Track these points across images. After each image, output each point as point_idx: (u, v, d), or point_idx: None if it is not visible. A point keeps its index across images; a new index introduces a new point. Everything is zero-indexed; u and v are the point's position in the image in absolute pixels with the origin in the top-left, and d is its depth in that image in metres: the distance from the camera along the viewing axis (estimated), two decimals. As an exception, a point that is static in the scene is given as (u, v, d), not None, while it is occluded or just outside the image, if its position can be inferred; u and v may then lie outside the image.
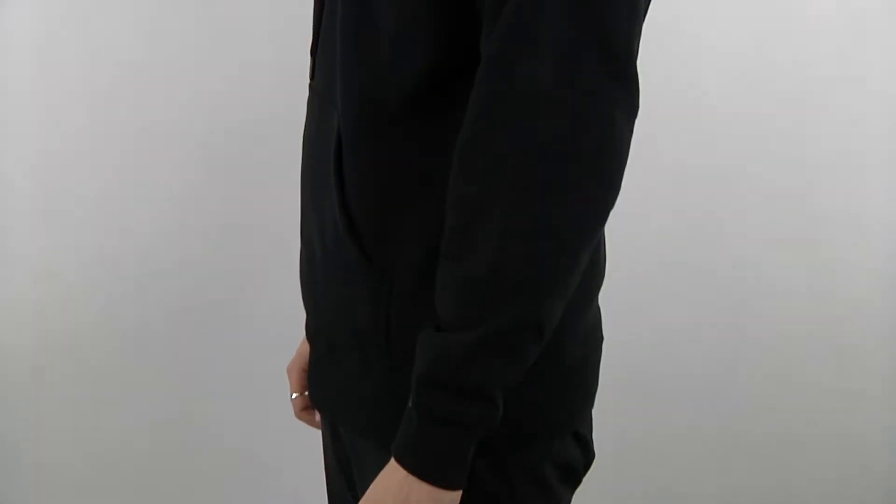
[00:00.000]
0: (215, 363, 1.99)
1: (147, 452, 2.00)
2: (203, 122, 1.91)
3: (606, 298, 1.06)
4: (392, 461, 0.86)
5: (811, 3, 2.06)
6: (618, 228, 1.14)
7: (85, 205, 1.90)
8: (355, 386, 0.99)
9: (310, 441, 1.33)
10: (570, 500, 1.02)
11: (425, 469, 0.83)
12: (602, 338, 1.05)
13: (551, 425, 0.97)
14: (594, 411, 1.04)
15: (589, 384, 1.02)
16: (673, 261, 2.11)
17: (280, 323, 1.56)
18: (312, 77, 1.08)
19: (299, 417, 1.19)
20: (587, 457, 1.02)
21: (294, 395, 1.17)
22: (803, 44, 2.07)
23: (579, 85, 0.79)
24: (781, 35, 2.06)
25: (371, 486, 0.87)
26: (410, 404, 0.85)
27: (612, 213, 0.85)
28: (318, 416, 1.16)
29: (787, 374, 2.16)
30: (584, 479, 1.03)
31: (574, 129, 0.79)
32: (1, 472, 1.95)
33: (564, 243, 0.81)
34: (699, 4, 2.03)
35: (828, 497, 2.18)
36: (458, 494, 0.85)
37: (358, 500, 1.02)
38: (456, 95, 0.88)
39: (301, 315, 1.11)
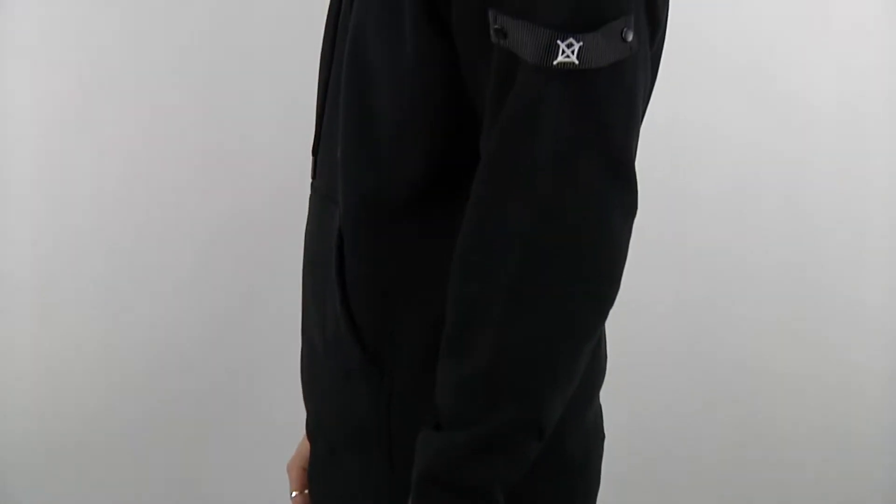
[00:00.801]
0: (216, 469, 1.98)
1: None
2: (204, 227, 1.93)
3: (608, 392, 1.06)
4: None
5: (812, 96, 2.09)
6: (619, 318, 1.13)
7: (86, 298, 1.91)
8: (356, 485, 0.98)
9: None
10: None
11: None
12: (603, 436, 1.05)
13: None
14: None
15: (590, 482, 1.01)
16: (674, 348, 2.12)
17: (282, 417, 1.56)
18: (314, 176, 1.09)
19: None
20: None
21: (294, 494, 1.16)
22: (804, 135, 2.10)
23: (577, 185, 0.80)
24: (781, 127, 2.10)
25: None
26: (410, 503, 0.84)
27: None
28: None
29: (794, 458, 2.14)
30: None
31: (572, 230, 0.80)
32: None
33: (564, 344, 0.82)
34: (699, 98, 2.07)
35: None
36: None
37: None
38: (456, 194, 0.89)
39: (302, 411, 1.11)
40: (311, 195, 1.10)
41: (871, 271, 2.17)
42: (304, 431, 1.14)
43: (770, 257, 2.15)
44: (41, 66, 1.82)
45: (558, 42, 0.79)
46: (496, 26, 0.80)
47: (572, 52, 0.79)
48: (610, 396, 1.07)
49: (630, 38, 0.80)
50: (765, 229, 2.15)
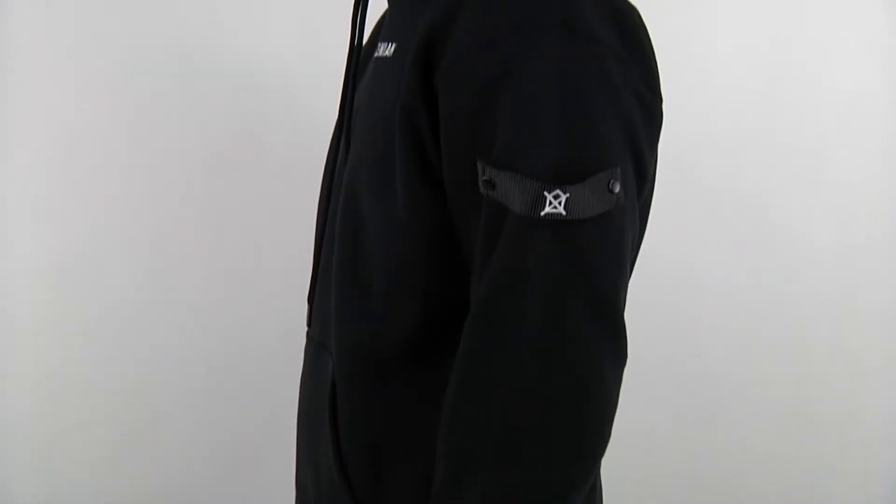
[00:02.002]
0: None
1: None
2: (201, 376, 1.92)
3: None
4: None
5: (812, 238, 2.12)
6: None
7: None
8: None
9: None
10: None
11: None
12: None
13: None
14: None
15: None
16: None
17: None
18: (309, 325, 1.10)
19: None
20: None
21: None
22: (804, 277, 2.12)
23: (565, 334, 0.80)
24: (781, 267, 2.12)
25: None
26: None
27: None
28: None
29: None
30: None
31: (561, 381, 0.80)
32: None
33: (555, 493, 0.80)
34: (694, 237, 2.09)
35: None
36: None
37: None
38: (447, 346, 0.89)
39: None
40: (306, 343, 1.11)
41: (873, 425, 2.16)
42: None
43: (773, 398, 2.14)
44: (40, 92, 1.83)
45: (545, 193, 0.80)
46: (485, 178, 0.82)
47: (559, 204, 0.80)
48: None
49: (617, 189, 0.82)
50: (766, 372, 2.14)
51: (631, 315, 0.91)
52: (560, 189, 0.80)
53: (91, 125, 1.83)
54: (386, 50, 0.96)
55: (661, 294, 2.06)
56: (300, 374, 1.12)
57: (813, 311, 2.15)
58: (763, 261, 2.12)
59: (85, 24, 1.82)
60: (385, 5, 1.06)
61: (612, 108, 0.82)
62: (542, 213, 0.80)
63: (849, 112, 2.11)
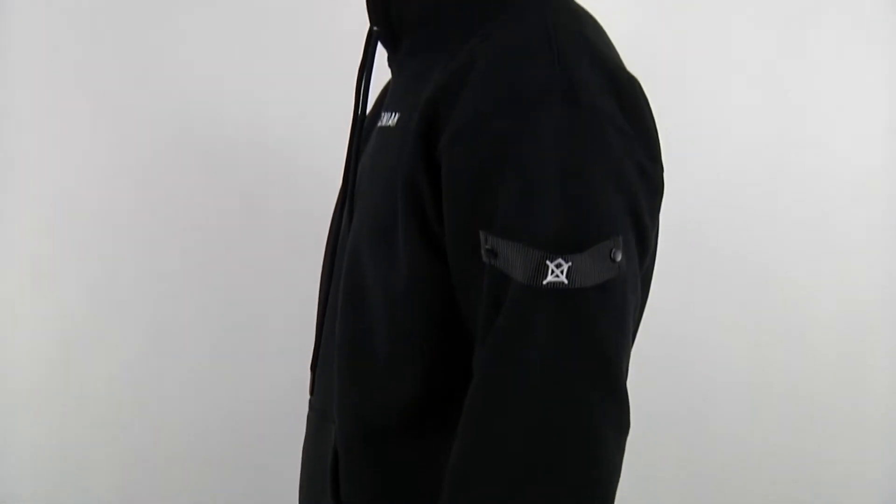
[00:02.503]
0: None
1: None
2: (201, 444, 1.91)
3: None
4: None
5: (811, 327, 2.12)
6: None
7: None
8: None
9: None
10: None
11: None
12: None
13: None
14: None
15: None
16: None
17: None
18: (312, 393, 1.09)
19: None
20: None
21: None
22: (807, 343, 2.12)
23: (569, 403, 0.80)
24: (781, 358, 2.12)
25: None
26: None
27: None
28: None
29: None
30: None
31: (563, 449, 0.80)
32: None
33: None
34: (702, 328, 2.09)
35: None
36: None
37: None
38: (450, 414, 0.88)
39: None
40: (308, 412, 1.10)
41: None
42: None
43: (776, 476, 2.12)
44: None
45: (547, 262, 0.80)
46: (487, 246, 0.83)
47: (561, 272, 0.80)
48: None
49: (619, 258, 0.82)
50: (771, 440, 2.12)
51: (634, 381, 0.91)
52: (562, 258, 0.80)
53: (91, 187, 1.85)
54: (389, 119, 0.97)
55: (662, 360, 2.05)
56: (302, 441, 1.11)
57: (817, 377, 2.14)
58: (766, 327, 2.12)
59: (86, 84, 1.84)
60: (389, 74, 1.08)
61: (613, 178, 0.83)
62: (545, 282, 0.80)
63: (853, 180, 2.12)
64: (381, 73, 1.10)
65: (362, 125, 1.07)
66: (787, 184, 2.11)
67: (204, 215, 1.89)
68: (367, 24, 1.07)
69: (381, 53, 1.06)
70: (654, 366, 1.93)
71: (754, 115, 2.09)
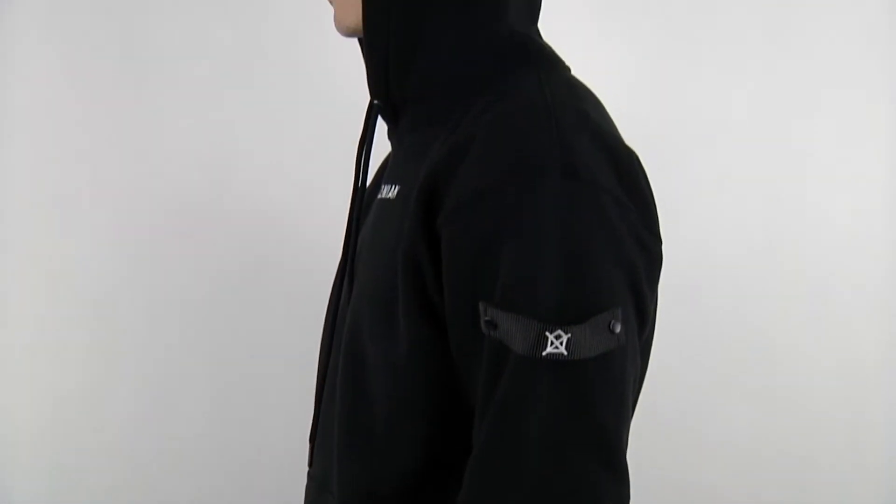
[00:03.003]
0: None
1: None
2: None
3: None
4: None
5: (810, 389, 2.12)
6: None
7: None
8: None
9: None
10: None
11: None
12: None
13: None
14: None
15: None
16: None
17: None
18: (311, 464, 1.09)
19: None
20: None
21: None
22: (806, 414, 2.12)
23: (568, 475, 0.80)
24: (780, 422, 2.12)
25: None
26: None
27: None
28: None
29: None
30: None
31: None
32: None
33: None
34: (698, 385, 2.09)
35: None
36: None
37: None
38: (450, 486, 0.88)
39: None
40: (307, 483, 1.09)
41: None
42: None
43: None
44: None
45: (547, 334, 0.81)
46: (486, 318, 0.83)
47: (561, 344, 0.81)
48: None
49: (618, 329, 0.83)
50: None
51: (634, 447, 0.90)
52: (562, 329, 0.81)
53: (92, 256, 1.86)
54: (389, 192, 0.98)
55: (663, 431, 2.04)
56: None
57: (816, 452, 2.13)
58: (766, 399, 2.11)
59: (87, 159, 1.86)
60: (389, 147, 1.09)
61: (612, 250, 0.84)
62: (544, 353, 0.81)
63: (852, 249, 2.13)
64: (382, 146, 1.11)
65: (362, 197, 1.08)
66: (786, 250, 2.12)
67: (203, 285, 1.89)
68: (368, 97, 1.08)
69: (382, 126, 1.07)
70: (652, 429, 1.92)
71: (754, 180, 2.11)
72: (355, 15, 0.98)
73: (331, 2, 1.02)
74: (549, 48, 0.99)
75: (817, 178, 2.13)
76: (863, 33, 2.12)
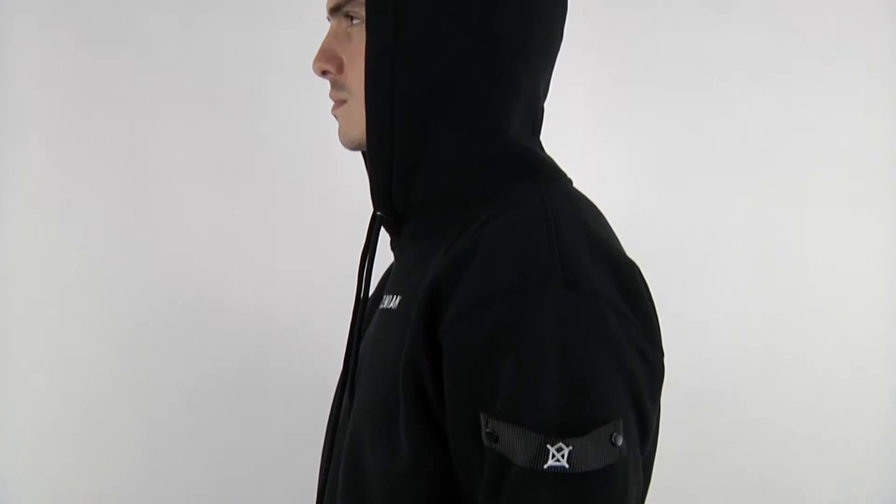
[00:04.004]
0: None
1: None
2: None
3: None
4: None
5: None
6: None
7: None
8: None
9: None
10: None
11: None
12: None
13: None
14: None
15: None
16: None
17: None
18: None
19: None
20: None
21: None
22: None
23: None
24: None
25: None
26: None
27: None
28: None
29: None
30: None
31: None
32: None
33: None
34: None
35: None
36: None
37: None
38: None
39: None
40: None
41: None
42: None
43: None
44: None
45: (548, 446, 0.80)
46: (487, 430, 0.82)
47: (562, 457, 0.80)
48: None
49: (620, 442, 0.82)
50: None
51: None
52: (563, 442, 0.80)
53: (91, 345, 1.86)
54: (391, 302, 0.98)
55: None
56: None
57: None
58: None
59: (91, 262, 1.88)
60: (391, 258, 1.10)
61: (614, 362, 0.84)
62: (546, 466, 0.80)
63: (853, 356, 2.13)
64: (384, 257, 1.12)
65: (364, 307, 1.09)
66: (783, 369, 2.11)
67: (203, 398, 1.88)
68: (371, 209, 1.10)
69: (384, 237, 1.08)
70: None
71: (750, 296, 2.11)
72: (359, 129, 1.00)
73: (335, 116, 1.04)
74: (551, 160, 1.01)
75: (815, 289, 2.14)
76: (857, 151, 2.16)
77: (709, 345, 2.08)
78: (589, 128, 2.08)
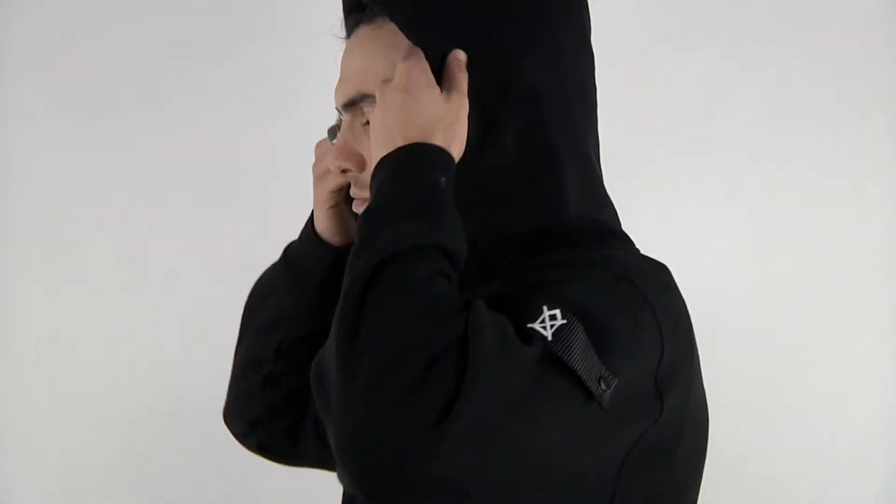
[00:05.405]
0: None
1: None
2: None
3: None
4: None
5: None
6: None
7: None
8: None
9: None
10: None
11: None
12: None
13: None
14: None
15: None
16: None
17: None
18: None
19: None
20: None
21: None
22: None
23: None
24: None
25: None
26: None
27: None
28: None
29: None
30: None
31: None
32: None
33: None
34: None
35: None
36: None
37: None
38: None
39: None
40: None
41: None
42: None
43: None
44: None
45: (544, 307, 0.77)
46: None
47: (551, 326, 0.75)
48: None
49: (605, 387, 0.76)
50: None
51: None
52: (560, 312, 0.76)
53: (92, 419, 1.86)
54: None
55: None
56: None
57: None
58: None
59: (85, 376, 1.88)
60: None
61: (646, 346, 0.81)
62: (528, 325, 0.76)
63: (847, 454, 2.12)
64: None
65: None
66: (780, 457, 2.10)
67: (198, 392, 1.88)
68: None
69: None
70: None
71: (746, 387, 2.10)
72: None
73: (357, 212, 0.98)
74: (617, 228, 0.96)
75: (809, 387, 2.12)
76: (851, 222, 2.14)
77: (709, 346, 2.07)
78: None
